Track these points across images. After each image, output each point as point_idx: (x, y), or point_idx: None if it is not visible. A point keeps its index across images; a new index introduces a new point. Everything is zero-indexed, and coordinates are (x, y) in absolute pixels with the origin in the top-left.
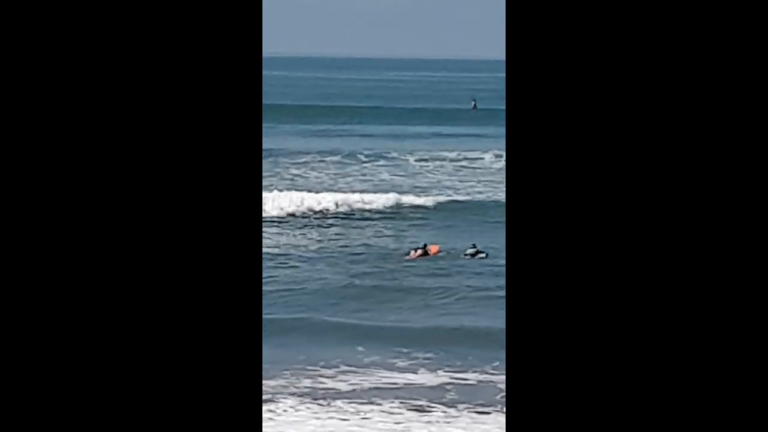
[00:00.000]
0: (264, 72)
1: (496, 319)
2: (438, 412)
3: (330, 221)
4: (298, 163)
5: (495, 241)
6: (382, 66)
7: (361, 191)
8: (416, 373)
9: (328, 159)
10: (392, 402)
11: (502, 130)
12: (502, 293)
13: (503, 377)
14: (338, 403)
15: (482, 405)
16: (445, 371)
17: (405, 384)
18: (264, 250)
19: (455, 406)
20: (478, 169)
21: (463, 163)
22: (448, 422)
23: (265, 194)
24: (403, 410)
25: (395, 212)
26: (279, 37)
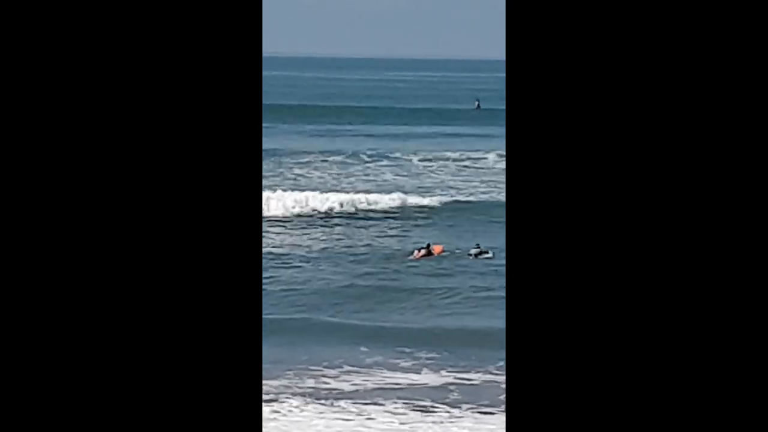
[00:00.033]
0: (264, 72)
1: (500, 320)
2: (442, 412)
3: (334, 221)
4: (301, 163)
5: (498, 241)
6: (382, 66)
7: (365, 191)
8: (419, 374)
9: (330, 159)
10: (396, 402)
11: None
12: None
13: None
14: (342, 403)
15: (486, 405)
16: (448, 371)
17: (408, 384)
18: (268, 249)
19: (459, 407)
20: (482, 169)
21: (467, 163)
22: (452, 422)
23: (269, 194)
24: (407, 410)
25: (399, 212)
26: (279, 37)
